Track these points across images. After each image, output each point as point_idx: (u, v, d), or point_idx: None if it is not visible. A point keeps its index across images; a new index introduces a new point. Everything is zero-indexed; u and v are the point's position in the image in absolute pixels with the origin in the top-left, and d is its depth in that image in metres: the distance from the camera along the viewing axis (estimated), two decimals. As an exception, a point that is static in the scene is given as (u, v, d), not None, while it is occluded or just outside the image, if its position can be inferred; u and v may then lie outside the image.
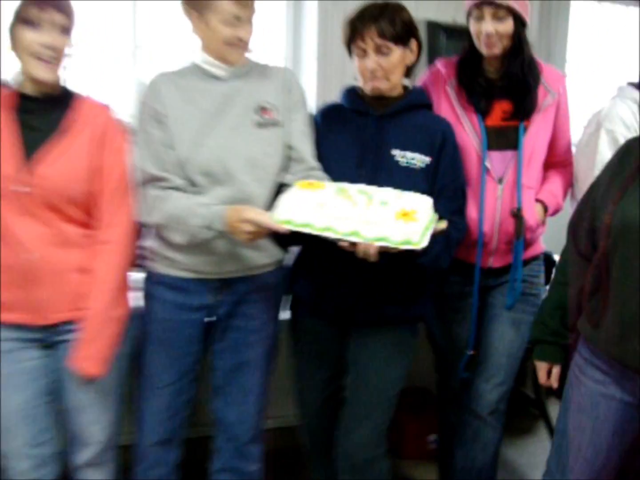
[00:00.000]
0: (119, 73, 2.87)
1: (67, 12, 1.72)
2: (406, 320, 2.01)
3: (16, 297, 1.75)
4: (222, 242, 1.84)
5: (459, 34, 3.00)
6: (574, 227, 1.79)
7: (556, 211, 2.21)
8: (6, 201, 1.70)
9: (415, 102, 1.99)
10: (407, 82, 2.01)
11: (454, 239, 1.90)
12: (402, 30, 1.87)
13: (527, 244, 2.14)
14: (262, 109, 1.88)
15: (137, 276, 1.96)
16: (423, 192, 1.82)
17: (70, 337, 1.79)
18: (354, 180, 1.84)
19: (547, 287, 2.38)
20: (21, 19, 1.67)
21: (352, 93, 2.02)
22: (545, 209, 2.16)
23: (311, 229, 1.69)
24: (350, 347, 2.03)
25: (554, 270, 2.53)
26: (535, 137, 2.10)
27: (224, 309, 1.94)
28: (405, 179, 1.87)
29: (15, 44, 1.70)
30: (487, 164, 2.07)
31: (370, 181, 1.84)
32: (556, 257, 2.55)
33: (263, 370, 2.02)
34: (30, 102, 1.75)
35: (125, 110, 1.94)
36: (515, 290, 2.14)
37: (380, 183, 1.82)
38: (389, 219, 1.68)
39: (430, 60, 2.65)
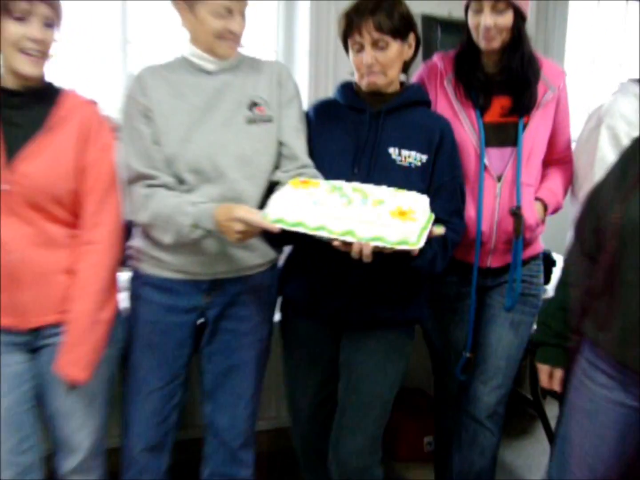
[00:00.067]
0: (109, 69, 2.84)
1: (54, 5, 1.68)
2: (401, 322, 1.97)
3: (-1, 300, 1.71)
4: (212, 241, 1.80)
5: (454, 28, 3.05)
6: (579, 226, 1.76)
7: (556, 210, 2.18)
8: (-12, 200, 1.66)
9: (413, 98, 1.95)
10: (402, 77, 1.98)
11: (451, 241, 1.86)
12: (400, 23, 1.83)
13: (527, 244, 2.11)
14: (254, 104, 1.84)
15: (124, 276, 1.93)
16: (420, 191, 1.78)
17: (55, 341, 1.75)
18: (348, 178, 1.80)
19: (547, 287, 2.38)
20: (7, 12, 1.62)
21: (348, 89, 1.98)
22: (545, 207, 2.13)
23: (304, 228, 1.64)
24: (343, 350, 1.99)
25: (554, 270, 2.55)
26: (535, 133, 2.07)
27: (214, 311, 1.90)
28: (401, 178, 1.83)
29: None
30: (486, 161, 2.04)
31: (366, 180, 1.80)
32: (555, 256, 2.55)
33: (255, 374, 1.99)
34: (12, 97, 1.70)
35: (115, 106, 1.89)
36: (515, 291, 2.11)
37: (375, 182, 1.78)
38: (385, 218, 1.63)
39: (426, 55, 2.62)
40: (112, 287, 1.81)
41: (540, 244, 2.23)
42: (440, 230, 1.73)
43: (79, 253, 1.75)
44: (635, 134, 1.75)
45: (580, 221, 1.76)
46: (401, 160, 1.86)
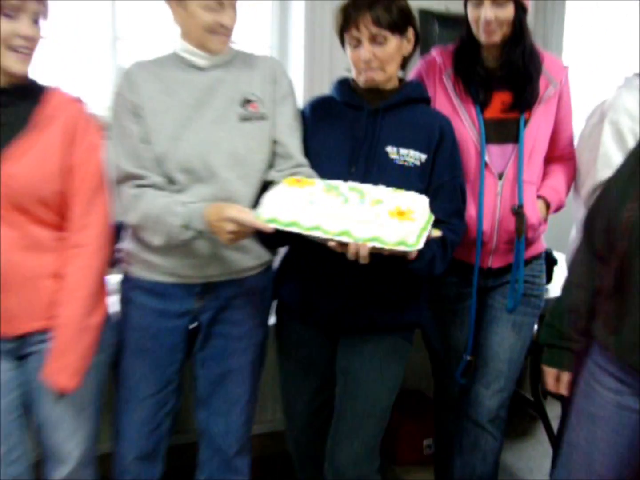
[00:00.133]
0: (99, 66, 2.82)
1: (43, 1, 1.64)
2: (400, 327, 1.93)
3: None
4: (204, 243, 1.76)
5: (452, 22, 3.05)
6: (588, 225, 1.73)
7: (559, 208, 2.15)
8: (-30, 203, 1.61)
9: (413, 95, 1.91)
10: (400, 74, 1.94)
11: (451, 242, 1.82)
12: (398, 17, 1.79)
13: (529, 243, 2.08)
14: (247, 101, 1.80)
15: (114, 279, 1.89)
16: (419, 191, 1.74)
17: (43, 348, 1.71)
18: (345, 178, 1.76)
19: (548, 287, 2.35)
20: None
21: (345, 85, 1.94)
22: (548, 205, 2.10)
23: (298, 227, 1.60)
24: (340, 356, 1.95)
25: (555, 268, 2.51)
26: (537, 129, 2.04)
27: (207, 315, 1.87)
28: (399, 178, 1.79)
29: None
30: (486, 159, 2.01)
31: (363, 179, 1.76)
32: (556, 255, 2.51)
33: (250, 380, 1.95)
34: None
35: (105, 104, 1.85)
36: (517, 292, 2.07)
37: (373, 181, 1.73)
38: (383, 217, 1.59)
39: (423, 50, 2.58)
40: (101, 291, 1.77)
41: (543, 243, 2.20)
42: (437, 233, 1.70)
43: (67, 256, 1.71)
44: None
45: (589, 220, 1.73)
46: (399, 160, 1.82)
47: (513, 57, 1.97)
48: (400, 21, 1.79)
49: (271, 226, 1.60)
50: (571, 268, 1.80)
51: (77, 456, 1.80)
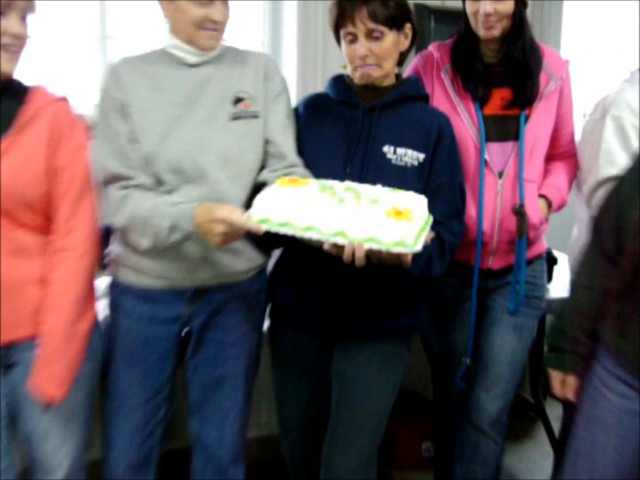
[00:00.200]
0: (88, 64, 2.80)
1: None
2: (397, 331, 1.90)
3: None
4: (194, 246, 1.72)
5: (448, 17, 3.02)
6: (597, 224, 1.71)
7: (560, 206, 2.12)
8: (-48, 207, 1.57)
9: (410, 93, 1.88)
10: (397, 70, 1.92)
11: (449, 244, 1.79)
12: (395, 12, 1.76)
13: (530, 243, 2.05)
14: (238, 100, 1.77)
15: (103, 283, 1.86)
16: (417, 192, 1.70)
17: (29, 356, 1.66)
18: (340, 178, 1.72)
19: (549, 287, 2.31)
20: None
21: (340, 82, 1.91)
22: (549, 204, 2.08)
23: (291, 228, 1.55)
24: (335, 362, 1.92)
25: (555, 268, 2.48)
26: (538, 126, 2.01)
27: (199, 320, 1.83)
28: (396, 178, 1.76)
29: None
30: (486, 157, 1.98)
31: (358, 180, 1.72)
32: (557, 254, 2.48)
33: (243, 386, 1.91)
34: None
35: (94, 103, 1.81)
36: (519, 294, 2.05)
37: (369, 182, 1.70)
38: (379, 217, 1.55)
39: (419, 45, 2.55)
40: (89, 296, 1.73)
41: (544, 243, 2.17)
42: (430, 234, 1.65)
43: (53, 261, 1.67)
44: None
45: (598, 219, 1.71)
46: (396, 160, 1.79)
47: (513, 51, 1.94)
48: (397, 16, 1.76)
49: (263, 227, 1.56)
50: (577, 269, 1.77)
51: (67, 467, 1.76)
